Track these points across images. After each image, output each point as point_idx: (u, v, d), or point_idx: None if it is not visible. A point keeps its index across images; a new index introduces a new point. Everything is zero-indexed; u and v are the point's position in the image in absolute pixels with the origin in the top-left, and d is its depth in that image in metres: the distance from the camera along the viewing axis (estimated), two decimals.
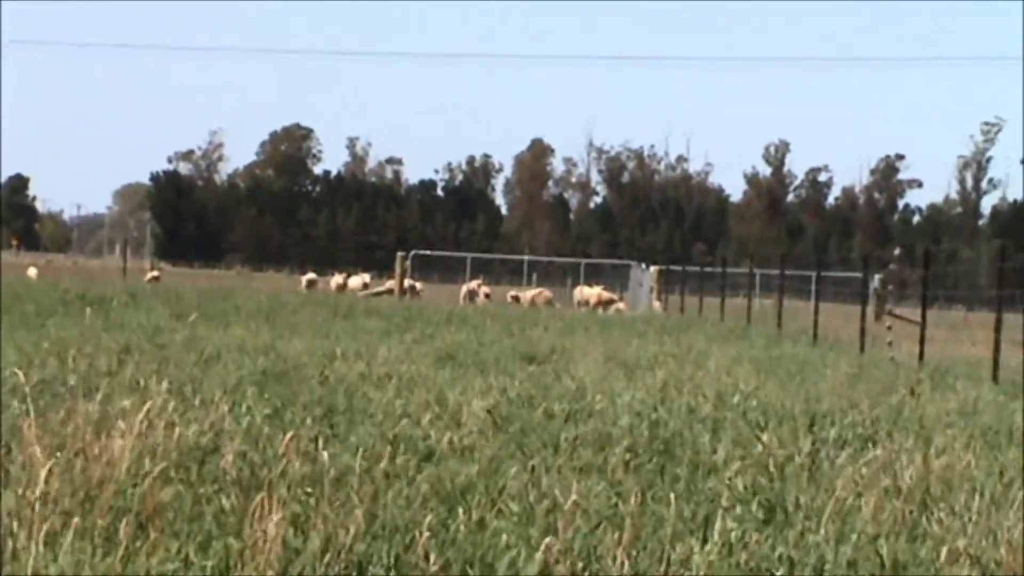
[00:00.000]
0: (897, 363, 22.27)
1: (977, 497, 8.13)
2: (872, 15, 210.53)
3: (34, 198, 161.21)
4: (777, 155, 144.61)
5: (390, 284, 60.66)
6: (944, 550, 6.69)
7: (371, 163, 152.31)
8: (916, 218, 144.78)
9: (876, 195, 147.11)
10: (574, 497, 7.27)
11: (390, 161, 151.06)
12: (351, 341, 21.12)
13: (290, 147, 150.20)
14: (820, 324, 30.83)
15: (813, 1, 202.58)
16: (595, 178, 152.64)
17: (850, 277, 41.27)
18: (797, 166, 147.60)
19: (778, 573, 6.18)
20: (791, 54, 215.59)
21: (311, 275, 68.14)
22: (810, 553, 6.70)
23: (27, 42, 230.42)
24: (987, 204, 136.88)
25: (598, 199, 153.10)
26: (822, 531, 7.19)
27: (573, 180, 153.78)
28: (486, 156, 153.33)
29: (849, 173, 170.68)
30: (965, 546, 6.72)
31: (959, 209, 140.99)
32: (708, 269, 59.46)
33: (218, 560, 5.93)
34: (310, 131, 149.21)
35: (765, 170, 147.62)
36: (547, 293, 60.83)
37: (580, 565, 6.01)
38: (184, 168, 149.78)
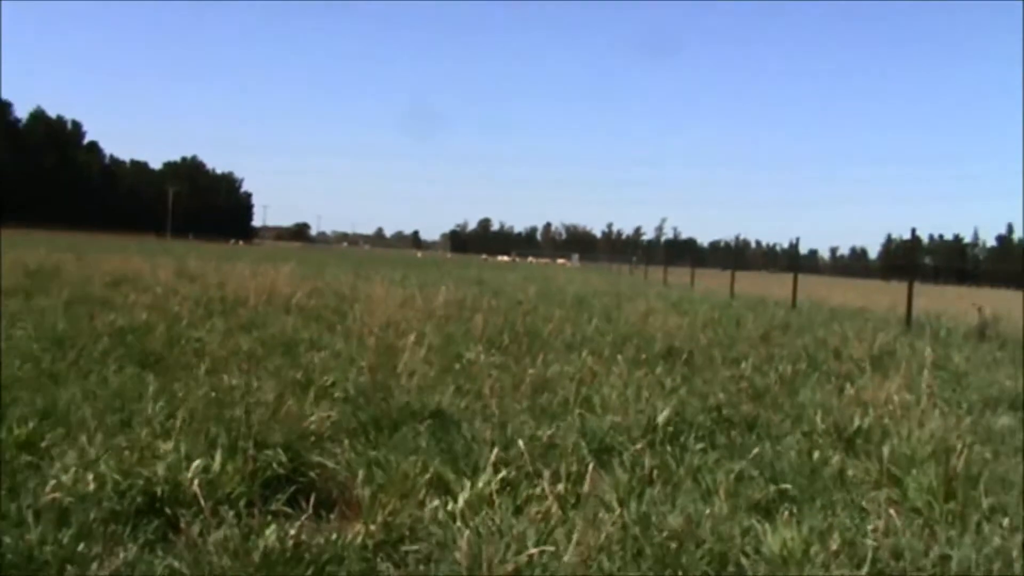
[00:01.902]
0: (639, 279, 53.35)
1: (665, 316, 16.43)
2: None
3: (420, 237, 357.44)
4: (610, 226, 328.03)
5: (510, 259, 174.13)
6: (652, 329, 14.62)
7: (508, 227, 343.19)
8: (647, 243, 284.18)
9: (632, 238, 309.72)
10: (559, 313, 15.77)
11: (509, 228, 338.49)
12: (498, 274, 42.20)
13: (485, 222, 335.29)
14: (622, 272, 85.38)
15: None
16: (563, 233, 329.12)
17: (629, 258, 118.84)
18: (617, 227, 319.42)
19: (611, 336, 13.42)
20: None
21: (484, 256, 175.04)
22: (619, 329, 14.47)
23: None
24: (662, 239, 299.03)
25: (563, 238, 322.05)
26: (622, 322, 15.31)
27: (557, 232, 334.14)
28: (534, 226, 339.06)
29: (628, 230, 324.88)
30: (661, 326, 14.48)
31: (655, 241, 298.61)
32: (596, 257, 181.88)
33: (464, 330, 13.06)
34: (488, 220, 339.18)
35: (606, 228, 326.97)
36: (547, 260, 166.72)
37: (557, 333, 13.45)
38: (458, 229, 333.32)
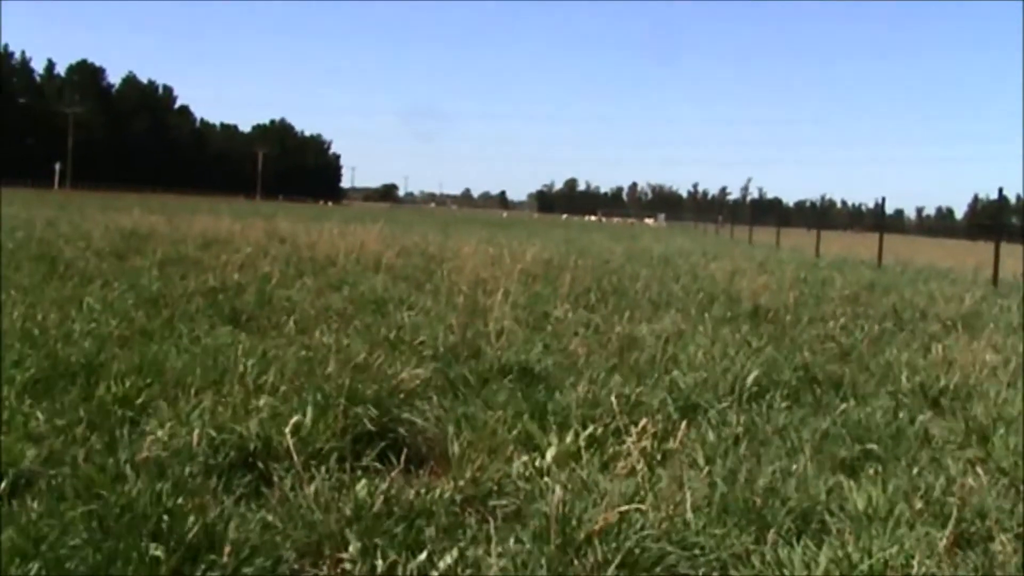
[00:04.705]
0: (725, 239, 50.06)
1: (751, 276, 15.98)
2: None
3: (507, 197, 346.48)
4: (696, 186, 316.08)
5: (596, 219, 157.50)
6: (739, 288, 14.29)
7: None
8: (732, 203, 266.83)
9: (718, 198, 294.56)
10: (645, 272, 15.85)
11: (595, 188, 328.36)
12: (584, 234, 43.26)
13: (571, 183, 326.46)
14: (707, 231, 79.91)
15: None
16: (649, 193, 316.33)
17: (714, 217, 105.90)
18: (703, 187, 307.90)
19: (697, 295, 13.49)
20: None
21: (564, 215, 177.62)
22: (705, 288, 14.17)
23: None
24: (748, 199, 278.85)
25: (649, 198, 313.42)
26: (708, 281, 14.97)
27: (643, 192, 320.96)
28: (620, 186, 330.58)
29: (714, 190, 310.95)
30: (748, 285, 14.11)
31: (740, 201, 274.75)
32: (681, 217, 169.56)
33: (552, 288, 13.07)
34: (575, 180, 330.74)
35: (691, 188, 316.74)
36: (633, 220, 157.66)
37: (644, 292, 13.75)
38: (544, 189, 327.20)
